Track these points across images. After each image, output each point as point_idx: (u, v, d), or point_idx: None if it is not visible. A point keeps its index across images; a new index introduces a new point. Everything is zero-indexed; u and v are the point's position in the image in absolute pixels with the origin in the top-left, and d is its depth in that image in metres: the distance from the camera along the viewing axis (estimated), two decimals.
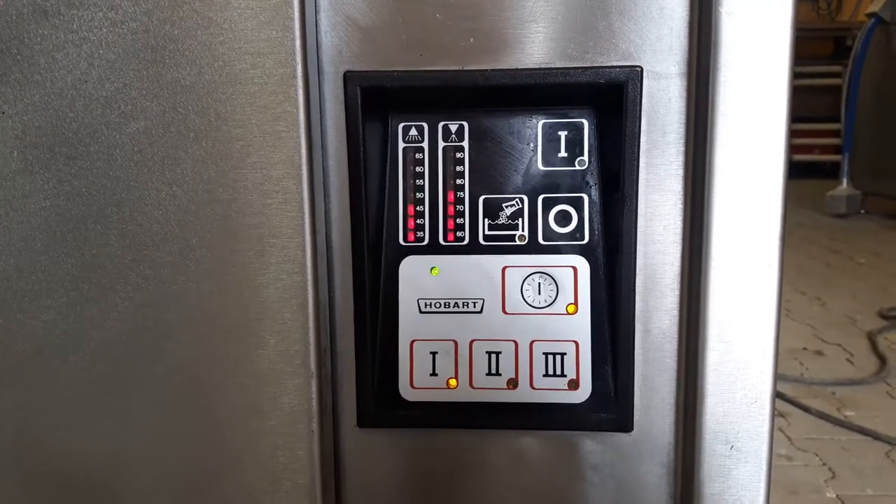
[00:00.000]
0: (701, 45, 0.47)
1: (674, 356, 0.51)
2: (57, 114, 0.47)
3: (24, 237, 0.49)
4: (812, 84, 5.41)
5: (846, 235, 4.07)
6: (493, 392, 0.52)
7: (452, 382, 0.52)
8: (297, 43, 0.45)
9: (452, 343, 0.52)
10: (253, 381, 0.49)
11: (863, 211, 4.61)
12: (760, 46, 0.46)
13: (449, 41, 0.48)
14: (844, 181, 4.62)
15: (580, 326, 0.52)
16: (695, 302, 0.49)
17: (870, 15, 4.44)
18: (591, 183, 0.52)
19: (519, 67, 0.48)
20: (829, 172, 5.18)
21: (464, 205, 0.52)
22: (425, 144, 0.52)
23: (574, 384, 0.52)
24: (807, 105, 5.17)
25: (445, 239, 0.53)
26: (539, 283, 0.52)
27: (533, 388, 0.52)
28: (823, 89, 5.41)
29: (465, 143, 0.52)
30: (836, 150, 5.17)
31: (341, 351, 0.52)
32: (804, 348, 2.37)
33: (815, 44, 5.68)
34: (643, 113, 0.48)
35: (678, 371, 0.51)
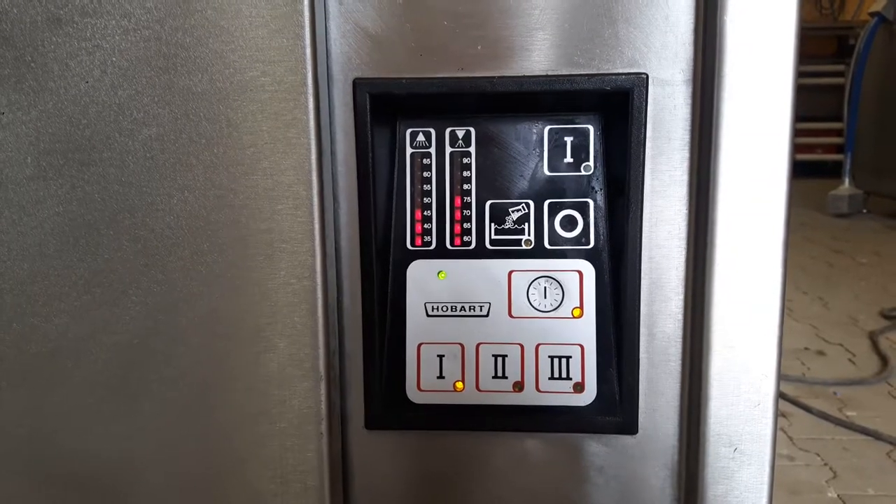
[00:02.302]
0: (706, 53, 0.47)
1: (678, 360, 0.52)
2: (70, 120, 0.48)
3: (37, 242, 0.49)
4: (814, 83, 5.40)
5: (848, 235, 4.07)
6: (500, 395, 0.53)
7: (459, 385, 0.53)
8: (308, 51, 0.46)
9: (459, 346, 0.53)
10: (262, 385, 0.50)
11: (865, 210, 4.60)
12: (764, 53, 0.46)
13: (456, 48, 0.49)
14: (846, 181, 4.61)
15: (585, 330, 0.52)
16: (699, 306, 0.49)
17: (873, 14, 4.43)
18: (597, 188, 0.52)
19: (525, 74, 0.49)
20: (831, 172, 5.18)
21: (470, 210, 0.53)
22: (433, 150, 0.53)
23: (579, 387, 0.52)
24: (809, 104, 5.16)
25: (452, 243, 0.53)
26: (545, 287, 0.53)
27: (539, 391, 0.53)
28: (826, 88, 5.41)
29: (472, 149, 0.53)
30: (839, 149, 5.16)
31: (350, 354, 0.53)
32: (806, 348, 2.37)
33: (818, 43, 5.67)
34: (648, 119, 0.49)
35: (682, 374, 0.52)
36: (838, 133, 5.16)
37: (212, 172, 0.48)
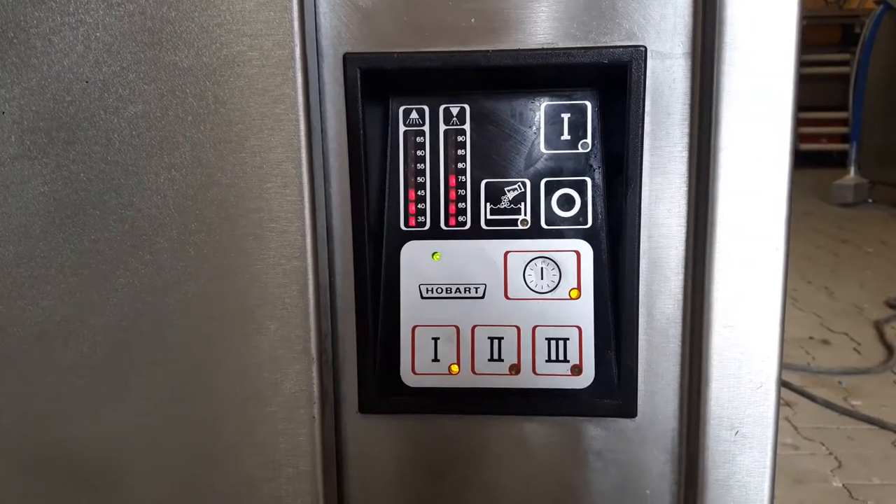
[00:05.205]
0: (705, 25, 0.46)
1: (678, 341, 0.50)
2: (54, 98, 0.47)
3: (22, 223, 0.48)
4: (820, 72, 5.36)
5: (853, 224, 4.05)
6: (496, 378, 0.52)
7: (454, 368, 0.52)
8: (296, 24, 0.45)
9: (454, 329, 0.52)
10: (253, 367, 0.49)
11: (870, 200, 4.57)
12: (765, 25, 0.45)
13: (450, 22, 0.47)
14: (852, 170, 4.58)
15: (583, 311, 0.51)
16: (699, 286, 0.48)
17: (878, 2, 4.39)
18: (595, 166, 0.51)
19: (521, 48, 0.48)
20: (837, 161, 5.14)
21: (465, 189, 0.52)
22: (426, 128, 0.52)
23: (577, 370, 0.51)
24: (814, 93, 5.12)
25: (447, 224, 0.52)
26: (542, 268, 0.52)
27: (535, 373, 0.52)
28: (831, 77, 5.36)
29: (467, 127, 0.51)
30: (844, 138, 5.13)
31: (342, 336, 0.52)
32: (811, 337, 2.36)
33: (823, 31, 5.62)
34: (647, 94, 0.48)
35: (682, 356, 0.50)
36: (843, 122, 5.12)
37: (199, 150, 0.47)
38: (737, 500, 0.49)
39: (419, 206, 0.52)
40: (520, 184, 0.52)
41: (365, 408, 0.52)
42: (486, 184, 0.52)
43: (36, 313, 0.49)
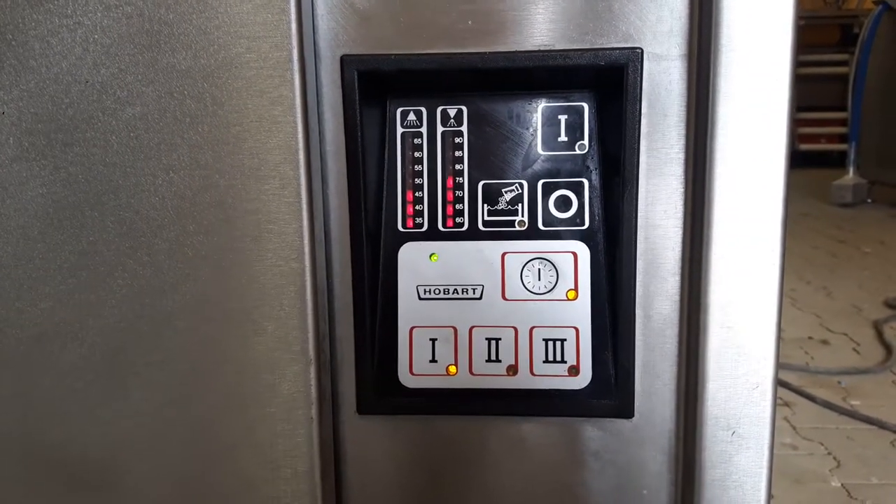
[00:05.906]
0: (702, 27, 0.46)
1: (675, 342, 0.50)
2: (53, 100, 0.47)
3: (21, 225, 0.49)
4: (818, 73, 5.36)
5: (852, 225, 4.05)
6: (493, 378, 0.52)
7: (452, 369, 0.52)
8: (293, 26, 0.45)
9: (452, 329, 0.52)
10: (251, 368, 0.49)
11: (869, 200, 4.57)
12: (762, 26, 0.45)
13: (447, 24, 0.48)
14: (851, 170, 4.58)
15: (580, 312, 0.51)
16: (696, 287, 0.48)
17: (877, 2, 4.39)
18: (592, 167, 0.51)
19: (518, 50, 0.48)
20: (836, 162, 5.14)
21: (463, 190, 0.52)
22: (424, 129, 0.52)
23: (574, 370, 0.52)
24: (813, 94, 5.12)
25: (444, 225, 0.52)
26: (539, 269, 0.52)
27: (533, 374, 0.52)
28: (830, 78, 5.36)
29: (464, 128, 0.52)
30: (843, 139, 5.13)
31: (340, 338, 0.52)
32: (810, 337, 2.36)
33: (822, 32, 5.62)
34: (644, 96, 0.48)
35: (679, 356, 0.51)
36: (842, 123, 5.13)
37: (197, 152, 0.47)
38: (734, 500, 0.49)
39: (417, 207, 0.52)
40: (517, 185, 0.52)
41: (363, 409, 0.52)
42: (484, 185, 0.52)
43: (34, 315, 0.49)
